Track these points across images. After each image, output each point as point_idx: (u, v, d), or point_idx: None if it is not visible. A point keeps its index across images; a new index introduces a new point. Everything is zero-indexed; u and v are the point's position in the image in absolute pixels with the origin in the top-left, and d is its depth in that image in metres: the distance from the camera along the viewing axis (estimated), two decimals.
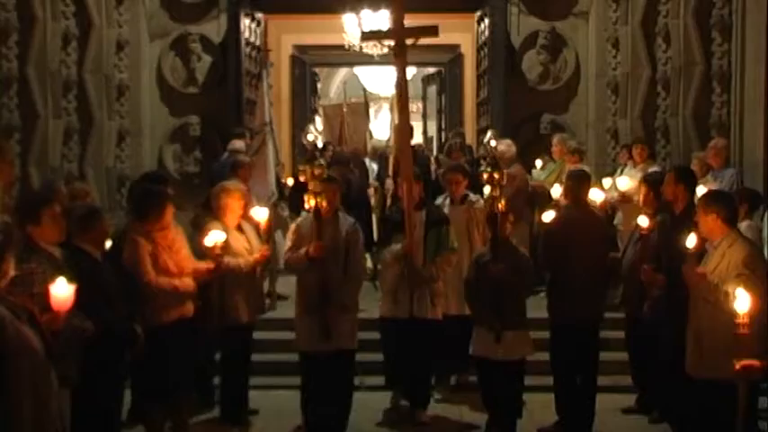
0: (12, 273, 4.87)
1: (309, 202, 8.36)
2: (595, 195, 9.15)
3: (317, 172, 8.28)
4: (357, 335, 8.39)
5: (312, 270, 8.15)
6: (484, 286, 8.08)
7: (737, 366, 5.14)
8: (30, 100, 13.15)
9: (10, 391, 4.67)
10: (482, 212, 9.38)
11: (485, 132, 14.02)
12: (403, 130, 9.18)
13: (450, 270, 9.01)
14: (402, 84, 8.98)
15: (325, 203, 8.15)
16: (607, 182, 11.85)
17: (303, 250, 8.15)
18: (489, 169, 8.01)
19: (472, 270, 8.41)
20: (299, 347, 8.47)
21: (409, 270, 8.66)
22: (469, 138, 15.60)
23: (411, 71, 20.44)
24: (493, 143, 7.94)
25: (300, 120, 17.77)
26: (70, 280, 5.06)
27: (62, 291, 4.98)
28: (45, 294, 5.03)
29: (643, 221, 7.98)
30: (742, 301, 5.04)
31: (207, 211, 8.69)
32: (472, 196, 9.98)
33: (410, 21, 13.91)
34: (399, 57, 8.72)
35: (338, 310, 8.13)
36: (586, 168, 11.75)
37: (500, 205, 8.05)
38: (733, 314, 5.30)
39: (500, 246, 8.08)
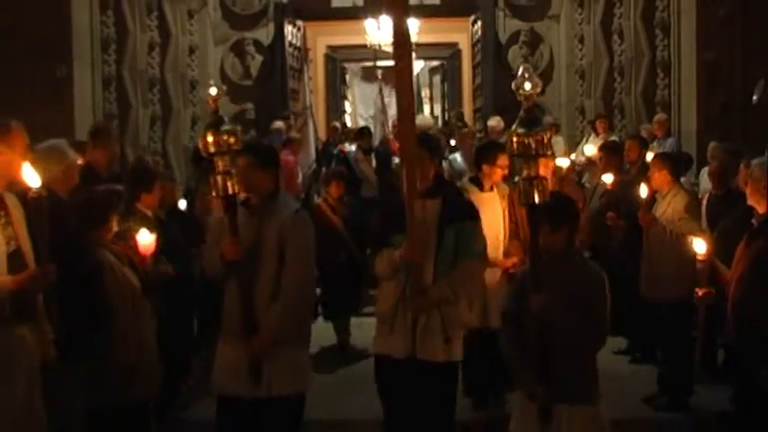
0: (115, 228, 4.94)
1: (218, 187, 4.65)
2: (562, 162, 9.10)
3: (224, 140, 4.65)
4: (304, 378, 4.78)
5: (233, 281, 4.63)
6: (528, 328, 4.22)
7: (700, 294, 4.93)
8: (124, 94, 13.13)
9: (118, 321, 4.72)
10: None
11: (480, 110, 13.93)
12: (403, 83, 4.54)
13: (474, 288, 4.97)
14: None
15: (236, 186, 4.64)
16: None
17: (218, 251, 4.63)
18: (519, 132, 4.16)
19: (511, 299, 4.50)
20: (217, 391, 4.78)
21: (412, 287, 4.63)
22: (468, 116, 15.56)
23: (419, 64, 20.32)
24: (528, 86, 4.23)
25: (333, 104, 17.85)
26: (152, 232, 5.11)
27: (145, 239, 5.03)
28: (135, 243, 5.09)
29: (608, 179, 7.94)
30: (700, 244, 4.97)
31: None
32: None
33: (423, 25, 13.87)
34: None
35: (268, 339, 4.55)
36: (561, 139, 11.76)
37: (541, 191, 4.12)
38: (681, 249, 5.28)
39: (544, 260, 4.22)
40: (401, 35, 4.49)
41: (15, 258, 4.06)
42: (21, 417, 4.07)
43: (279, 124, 12.04)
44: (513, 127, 4.27)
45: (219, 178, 4.65)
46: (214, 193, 4.74)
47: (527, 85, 4.23)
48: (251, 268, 4.59)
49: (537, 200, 4.14)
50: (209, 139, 4.67)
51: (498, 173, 6.32)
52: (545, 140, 4.20)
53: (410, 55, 4.64)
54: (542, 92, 13.43)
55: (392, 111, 17.22)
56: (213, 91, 4.87)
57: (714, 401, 6.52)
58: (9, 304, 3.97)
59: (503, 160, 6.25)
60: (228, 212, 4.65)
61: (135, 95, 13.17)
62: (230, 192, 4.64)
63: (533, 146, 4.16)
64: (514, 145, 4.23)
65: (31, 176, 3.88)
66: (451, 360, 4.81)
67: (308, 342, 4.93)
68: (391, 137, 11.31)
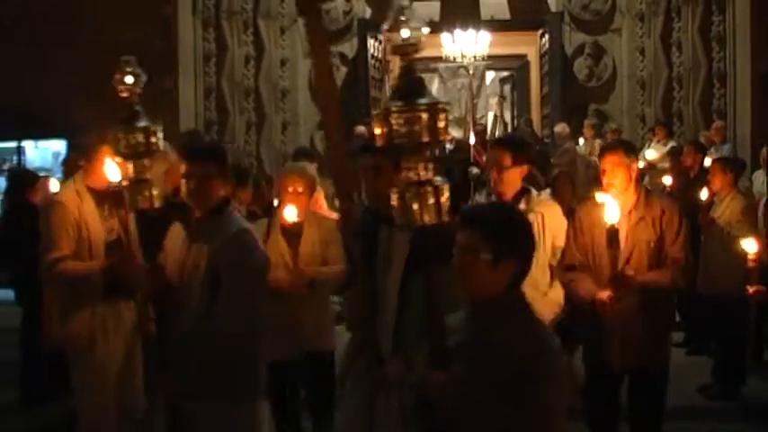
0: None
1: (134, 201, 3.46)
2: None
3: (140, 140, 3.35)
4: None
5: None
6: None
7: (750, 291, 4.86)
8: (223, 103, 13.40)
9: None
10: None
11: (547, 117, 13.85)
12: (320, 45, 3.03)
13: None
14: None
15: (156, 199, 3.41)
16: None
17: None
18: (397, 107, 2.33)
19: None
20: None
21: (370, 354, 3.22)
22: (536, 122, 15.44)
23: (490, 74, 20.34)
24: (405, 33, 2.39)
25: None
26: None
27: None
28: None
29: (667, 181, 7.88)
30: (751, 245, 4.89)
31: None
32: (535, 193, 4.21)
33: (494, 38, 13.84)
34: None
35: (185, 392, 3.30)
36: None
37: (427, 205, 2.27)
38: (737, 249, 5.18)
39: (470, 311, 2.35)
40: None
41: (115, 247, 4.23)
42: (120, 380, 4.30)
43: (361, 129, 12.08)
44: (386, 98, 2.47)
45: (133, 189, 3.33)
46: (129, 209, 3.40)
47: (404, 32, 2.41)
48: (179, 301, 3.28)
49: (426, 219, 2.28)
50: (121, 138, 3.31)
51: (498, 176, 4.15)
52: (437, 120, 2.38)
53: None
54: (606, 100, 13.44)
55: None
56: (130, 79, 3.32)
57: (764, 391, 6.45)
58: (102, 284, 4.20)
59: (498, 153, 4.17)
60: (140, 225, 3.43)
61: (232, 104, 13.41)
62: (150, 206, 3.32)
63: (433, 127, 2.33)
64: (395, 127, 2.34)
65: (113, 172, 3.92)
66: None
67: (252, 397, 3.38)
68: (471, 143, 11.15)
